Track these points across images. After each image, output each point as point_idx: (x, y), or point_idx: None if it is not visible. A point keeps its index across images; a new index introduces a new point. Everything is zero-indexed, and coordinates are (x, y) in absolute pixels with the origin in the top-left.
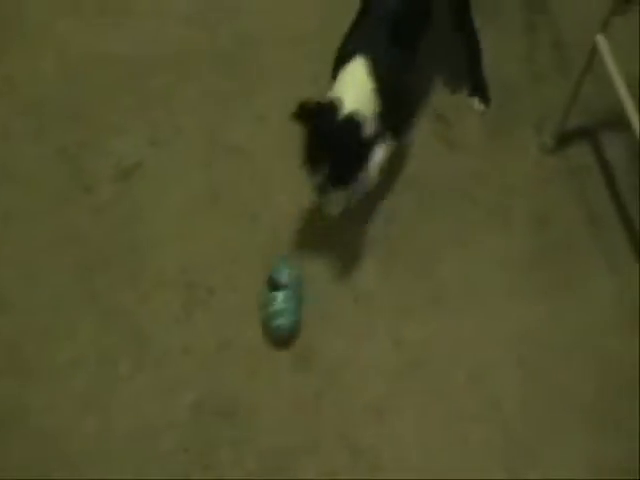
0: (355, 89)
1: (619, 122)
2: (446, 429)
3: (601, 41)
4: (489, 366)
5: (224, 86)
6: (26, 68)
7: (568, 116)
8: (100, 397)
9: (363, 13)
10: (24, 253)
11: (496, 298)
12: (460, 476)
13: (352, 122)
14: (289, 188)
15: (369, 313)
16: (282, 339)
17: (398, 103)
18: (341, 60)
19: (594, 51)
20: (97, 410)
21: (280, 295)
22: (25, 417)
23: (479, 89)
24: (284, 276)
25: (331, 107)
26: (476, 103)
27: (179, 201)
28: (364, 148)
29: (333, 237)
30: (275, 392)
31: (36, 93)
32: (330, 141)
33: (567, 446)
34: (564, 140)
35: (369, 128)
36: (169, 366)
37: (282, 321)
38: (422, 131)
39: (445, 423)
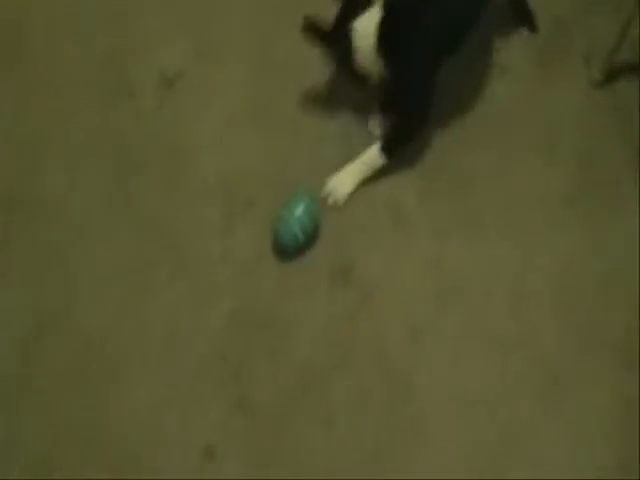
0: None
1: None
2: (483, 356)
3: None
4: (528, 295)
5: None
6: None
7: (617, 51)
8: (138, 302)
9: None
10: (66, 152)
11: (535, 227)
12: (493, 405)
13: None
14: (331, 105)
15: (408, 233)
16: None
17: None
18: None
19: None
20: (135, 314)
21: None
22: (69, 315)
23: (526, 18)
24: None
25: None
26: (525, 32)
27: (221, 112)
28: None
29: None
30: (312, 306)
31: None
32: None
33: (597, 382)
34: (612, 75)
35: None
36: (206, 275)
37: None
38: (473, 54)
39: (482, 350)
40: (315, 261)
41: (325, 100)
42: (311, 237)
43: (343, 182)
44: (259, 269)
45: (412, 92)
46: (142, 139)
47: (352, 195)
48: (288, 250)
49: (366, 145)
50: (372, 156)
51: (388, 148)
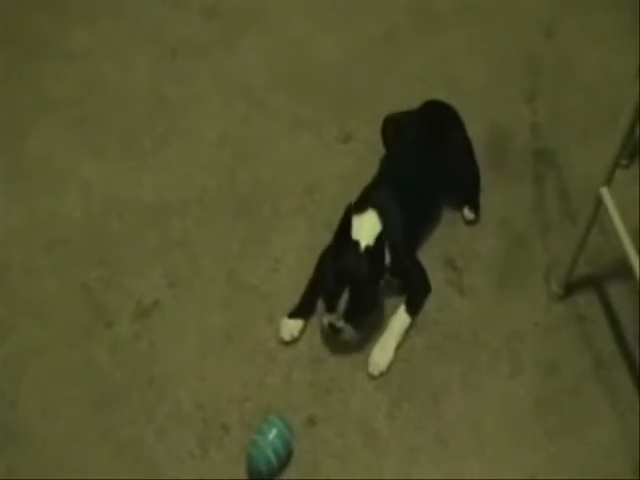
0: (369, 231)
1: (625, 272)
2: None
3: (605, 194)
4: None
5: (241, 230)
6: (49, 208)
7: (576, 265)
8: None
9: (379, 179)
10: (44, 385)
11: (503, 441)
12: None
13: (374, 253)
14: (305, 331)
15: (378, 452)
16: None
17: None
18: (356, 210)
19: (599, 203)
20: None
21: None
22: None
23: (470, 199)
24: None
25: (351, 245)
26: (466, 211)
27: (196, 339)
28: (380, 281)
29: (346, 379)
30: None
31: (59, 232)
32: (351, 274)
33: None
34: (572, 289)
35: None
36: None
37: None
38: (435, 277)
39: None
40: None
41: (297, 325)
42: (284, 460)
43: (384, 352)
44: None
45: (412, 265)
46: (119, 369)
47: (324, 418)
48: (262, 474)
49: (338, 370)
50: (402, 321)
51: (414, 308)
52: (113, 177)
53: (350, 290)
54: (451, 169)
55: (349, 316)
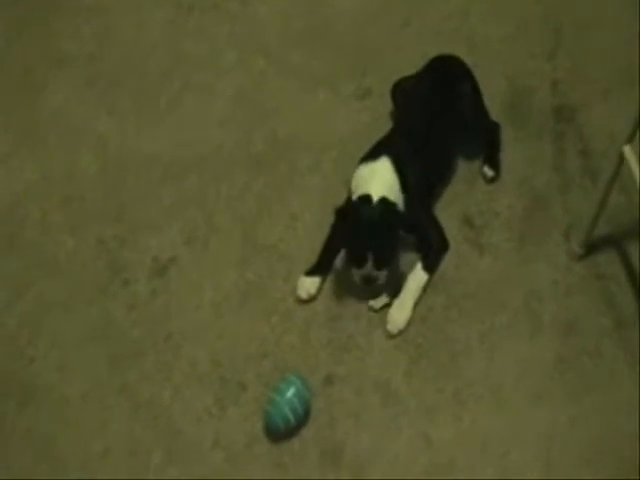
0: (380, 181)
1: None
2: None
3: (628, 151)
4: (518, 467)
5: (257, 187)
6: (65, 164)
7: (596, 224)
8: None
9: (392, 131)
10: (61, 343)
11: (521, 401)
12: None
13: (386, 205)
14: (323, 289)
15: (397, 412)
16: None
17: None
18: (366, 159)
19: (621, 161)
20: None
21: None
22: None
23: (490, 157)
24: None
25: (363, 201)
26: (486, 169)
27: (212, 297)
28: (398, 227)
29: (363, 337)
30: None
31: (75, 188)
32: (372, 228)
33: None
34: (592, 248)
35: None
36: (199, 460)
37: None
38: (453, 235)
39: None
40: (306, 443)
41: (314, 283)
42: (302, 419)
43: (402, 310)
44: (251, 452)
45: (428, 221)
46: (136, 327)
47: (342, 377)
48: (279, 432)
49: (355, 328)
50: (419, 278)
51: (431, 264)
52: (129, 133)
53: (374, 241)
54: (462, 120)
55: (379, 264)
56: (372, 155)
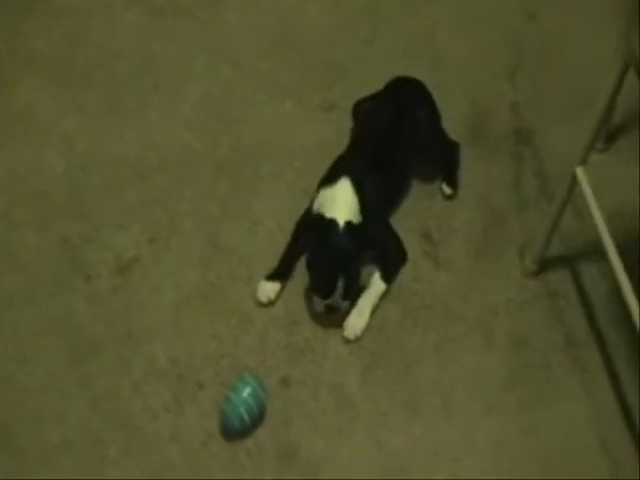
0: (343, 203)
1: (598, 252)
2: None
3: (580, 173)
4: (468, 474)
5: (221, 191)
6: (31, 162)
7: (550, 243)
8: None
9: (349, 150)
10: (22, 335)
11: (472, 410)
12: None
13: (353, 231)
14: (282, 294)
15: (351, 416)
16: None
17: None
18: (327, 181)
19: (574, 182)
20: None
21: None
22: None
23: (448, 175)
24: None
25: (329, 226)
26: (444, 186)
27: (173, 297)
28: (363, 249)
29: (320, 343)
30: None
31: (40, 185)
32: (340, 258)
33: None
34: (545, 266)
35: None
36: (155, 454)
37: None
38: (411, 248)
39: None
40: (261, 442)
41: (274, 288)
42: (257, 419)
43: (360, 317)
44: (207, 449)
45: (388, 234)
46: (96, 322)
47: (298, 380)
48: (235, 430)
49: (313, 333)
50: (377, 286)
51: (389, 275)
52: (95, 133)
53: (344, 272)
54: (419, 142)
55: (348, 294)
56: (333, 176)
